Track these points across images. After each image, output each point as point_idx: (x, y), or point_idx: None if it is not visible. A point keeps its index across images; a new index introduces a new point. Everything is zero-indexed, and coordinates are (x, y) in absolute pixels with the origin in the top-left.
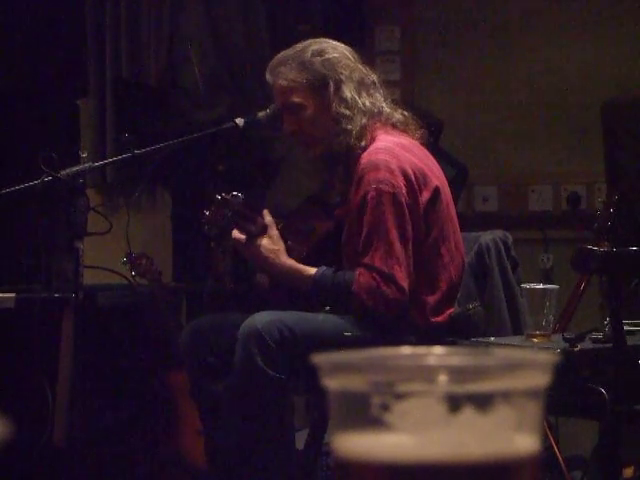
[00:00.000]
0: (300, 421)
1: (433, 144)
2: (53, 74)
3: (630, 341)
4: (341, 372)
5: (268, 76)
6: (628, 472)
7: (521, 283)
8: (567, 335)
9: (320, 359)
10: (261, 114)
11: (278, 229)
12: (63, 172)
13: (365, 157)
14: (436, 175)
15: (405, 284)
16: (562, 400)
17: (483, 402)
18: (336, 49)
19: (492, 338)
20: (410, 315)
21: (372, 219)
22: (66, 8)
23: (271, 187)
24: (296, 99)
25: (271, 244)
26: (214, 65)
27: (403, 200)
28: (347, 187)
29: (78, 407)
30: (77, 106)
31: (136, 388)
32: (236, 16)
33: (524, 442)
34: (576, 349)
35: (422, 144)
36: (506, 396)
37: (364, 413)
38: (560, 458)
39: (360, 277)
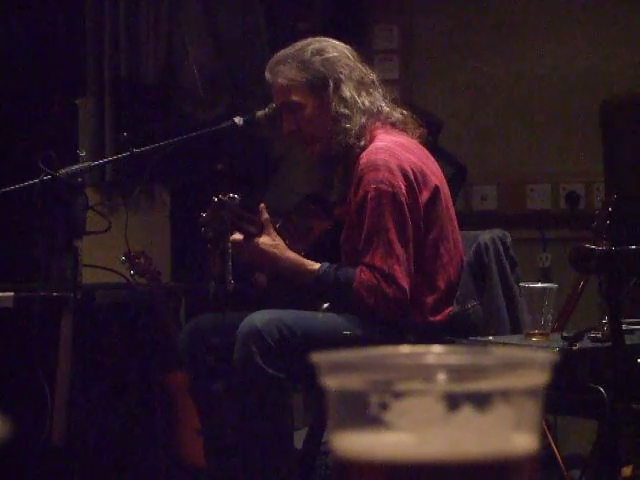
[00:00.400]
0: (299, 420)
1: (432, 143)
2: (52, 73)
3: (629, 340)
4: (340, 371)
5: (267, 75)
6: (627, 471)
7: (520, 282)
8: (566, 334)
9: (319, 358)
10: (260, 113)
11: (275, 228)
12: (62, 171)
13: (364, 157)
14: (435, 174)
15: (405, 284)
16: (561, 399)
17: (482, 401)
18: (336, 48)
19: (491, 337)
20: (409, 314)
21: (372, 219)
22: (65, 7)
23: (270, 186)
24: (295, 98)
25: (271, 240)
26: (213, 64)
27: (403, 200)
28: (346, 186)
29: (77, 406)
30: (76, 105)
31: (135, 387)
32: (235, 15)
33: (523, 441)
34: (575, 348)
35: (421, 143)
36: (505, 395)
37: (363, 412)
38: (559, 457)
39: (361, 275)
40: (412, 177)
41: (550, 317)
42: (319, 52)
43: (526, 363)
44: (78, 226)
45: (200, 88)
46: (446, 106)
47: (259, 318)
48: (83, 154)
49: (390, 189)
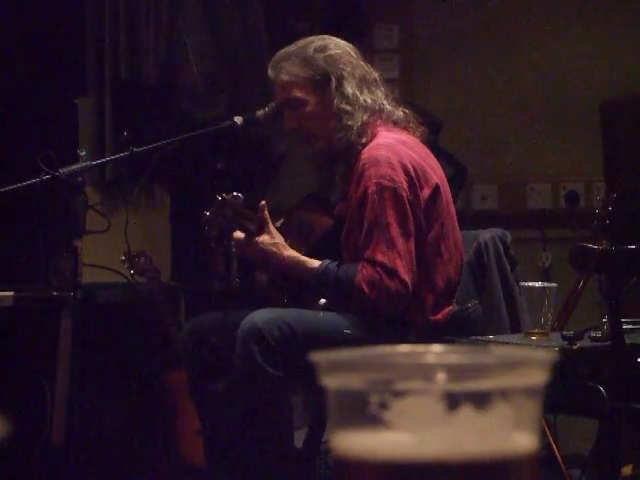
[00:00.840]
0: (299, 420)
1: (432, 143)
2: (52, 73)
3: (629, 339)
4: (340, 370)
5: (270, 71)
6: (627, 470)
7: (520, 281)
8: (566, 333)
9: (319, 357)
10: (260, 113)
11: (277, 227)
12: (62, 171)
13: (366, 153)
14: (436, 172)
15: (407, 278)
16: (561, 398)
17: (481, 400)
18: (338, 46)
19: (491, 336)
20: (409, 312)
21: (373, 214)
22: (65, 7)
23: (270, 185)
24: (298, 94)
25: (271, 239)
26: (213, 64)
27: (404, 195)
28: (347, 184)
29: (77, 406)
30: (76, 105)
31: (135, 387)
32: (234, 15)
33: (522, 440)
34: (575, 347)
35: (423, 142)
36: (504, 394)
37: (363, 411)
38: (559, 456)
39: (363, 270)
40: (413, 173)
41: (550, 316)
42: (322, 49)
43: (526, 362)
44: (78, 226)
45: (200, 88)
46: (446, 106)
47: (260, 317)
48: (83, 154)
49: (391, 184)
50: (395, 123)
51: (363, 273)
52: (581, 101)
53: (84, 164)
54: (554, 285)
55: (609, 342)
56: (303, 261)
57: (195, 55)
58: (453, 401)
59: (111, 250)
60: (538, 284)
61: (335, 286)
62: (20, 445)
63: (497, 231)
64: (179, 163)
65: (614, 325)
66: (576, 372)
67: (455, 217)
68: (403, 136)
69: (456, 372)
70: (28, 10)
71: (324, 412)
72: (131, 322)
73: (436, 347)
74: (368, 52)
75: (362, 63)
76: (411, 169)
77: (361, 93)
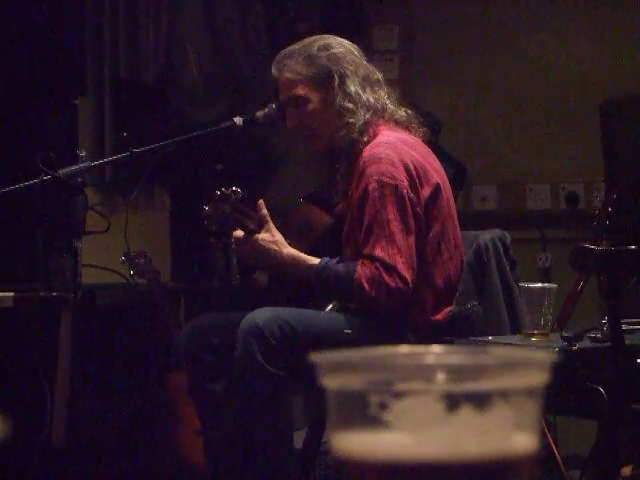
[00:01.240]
0: (299, 420)
1: (433, 143)
2: (52, 73)
3: (628, 340)
4: (339, 371)
5: (274, 70)
6: (626, 471)
7: (519, 282)
8: (565, 334)
9: (318, 358)
10: (259, 113)
11: (277, 226)
12: (62, 171)
13: (367, 151)
14: (438, 172)
15: (408, 274)
16: (560, 399)
17: (481, 401)
18: (342, 45)
19: (490, 337)
20: (409, 312)
21: (373, 210)
22: (65, 7)
23: (270, 186)
24: (301, 92)
25: (270, 237)
26: (212, 64)
27: (405, 192)
28: (348, 182)
29: (77, 407)
30: (75, 105)
31: (135, 388)
32: (234, 15)
33: (522, 441)
34: (574, 348)
35: (425, 142)
36: (504, 395)
37: (362, 412)
38: (558, 457)
39: (362, 267)
40: (414, 172)
41: (550, 317)
42: (325, 48)
43: (526, 363)
44: (78, 226)
45: (199, 88)
46: (446, 106)
47: (260, 316)
48: (83, 154)
49: (392, 181)
50: (397, 123)
51: (363, 269)
52: (581, 101)
53: (84, 165)
54: (554, 286)
55: (609, 343)
56: (302, 259)
57: (195, 55)
58: (453, 402)
59: (111, 251)
60: (538, 285)
61: (335, 283)
62: (20, 445)
63: (497, 232)
64: (179, 163)
65: (614, 326)
66: (576, 373)
67: (456, 217)
68: (405, 135)
69: (456, 373)
70: (28, 10)
71: (324, 412)
72: (131, 323)
73: (436, 348)
74: (368, 53)
75: (365, 63)
76: (412, 167)
77: (364, 92)
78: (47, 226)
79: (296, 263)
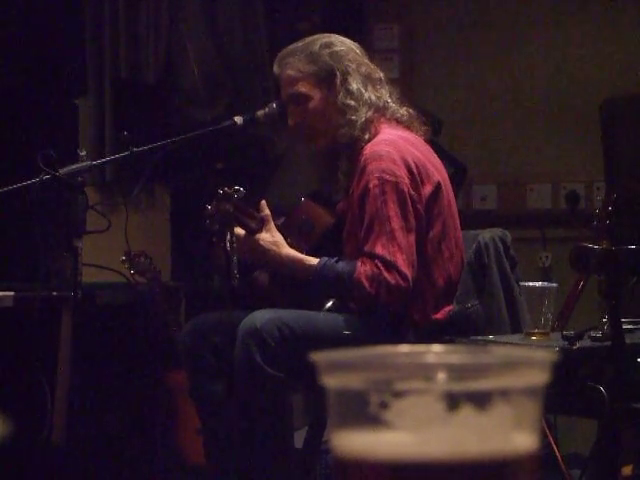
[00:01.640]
0: (299, 420)
1: (434, 142)
2: (52, 73)
3: (629, 339)
4: (340, 370)
5: (276, 67)
6: (627, 470)
7: (520, 281)
8: (566, 333)
9: (319, 357)
10: (260, 112)
11: (277, 226)
12: (62, 170)
13: (368, 148)
14: (439, 171)
15: (408, 272)
16: (561, 398)
17: (482, 400)
18: (344, 43)
19: (491, 336)
20: (409, 310)
21: (374, 208)
22: (65, 7)
23: (270, 185)
24: (302, 89)
25: (270, 237)
26: (213, 64)
27: (405, 189)
28: (350, 180)
29: (77, 406)
30: (76, 105)
31: (135, 387)
32: (235, 15)
33: (523, 440)
34: (575, 347)
35: (426, 141)
36: (505, 394)
37: (363, 411)
38: (559, 456)
39: (362, 265)
40: (415, 170)
41: (550, 316)
42: (328, 45)
43: (526, 362)
44: (78, 226)
45: (200, 88)
46: (446, 106)
47: (259, 317)
48: (83, 154)
49: (393, 178)
50: (398, 121)
51: (363, 267)
52: (581, 101)
53: (84, 164)
54: (554, 285)
55: (609, 342)
56: (301, 259)
57: (195, 55)
58: (453, 401)
59: (111, 250)
60: (538, 284)
61: (335, 281)
62: (20, 445)
63: (497, 231)
64: (180, 163)
65: (614, 325)
66: (576, 372)
67: (457, 216)
68: (406, 134)
69: (456, 372)
70: (28, 10)
71: (324, 412)
72: (131, 322)
73: (436, 347)
74: (368, 52)
75: (367, 61)
76: (413, 165)
77: (365, 90)
78: (47, 226)
79: (295, 263)
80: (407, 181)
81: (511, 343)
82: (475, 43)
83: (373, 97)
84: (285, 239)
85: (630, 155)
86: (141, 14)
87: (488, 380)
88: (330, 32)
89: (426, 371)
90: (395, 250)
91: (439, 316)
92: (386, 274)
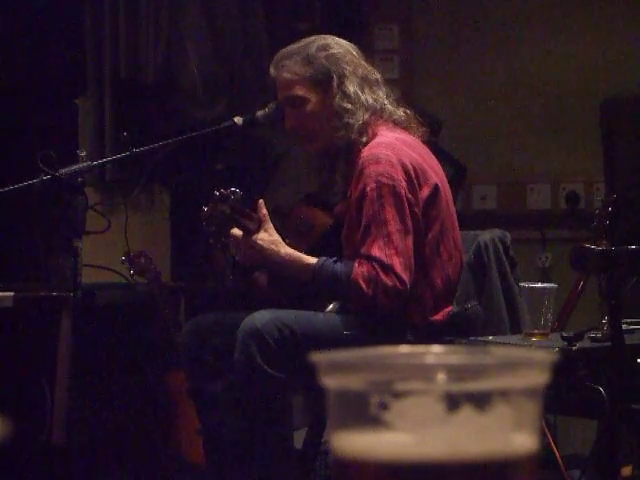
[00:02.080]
0: (299, 420)
1: (433, 143)
2: (52, 73)
3: (628, 340)
4: (340, 371)
5: (272, 70)
6: (626, 471)
7: (519, 282)
8: (565, 334)
9: (319, 358)
10: (260, 113)
11: (275, 226)
12: (62, 171)
13: (366, 151)
14: (436, 173)
15: (405, 275)
16: (560, 399)
17: (481, 401)
18: (340, 45)
19: (490, 337)
20: (408, 312)
21: (371, 211)
22: (65, 7)
23: (269, 185)
24: (299, 92)
25: (268, 236)
26: (212, 64)
27: (403, 193)
28: (347, 182)
29: (77, 406)
30: (76, 105)
31: (134, 387)
32: (234, 14)
33: (522, 441)
34: (574, 348)
35: (424, 142)
36: (504, 395)
37: (363, 412)
38: (558, 457)
39: (359, 266)
40: (412, 172)
41: (550, 317)
42: (324, 48)
43: (526, 363)
44: (78, 226)
45: (200, 88)
46: (446, 106)
47: (259, 318)
48: (83, 154)
49: (390, 182)
50: (396, 123)
51: (360, 269)
52: (581, 101)
53: (84, 164)
54: (554, 285)
55: (609, 343)
56: (300, 259)
57: (195, 55)
58: (453, 402)
59: (111, 250)
60: (538, 284)
61: (332, 282)
62: (20, 445)
63: (497, 231)
64: (179, 163)
65: (614, 326)
66: (576, 373)
67: (455, 217)
68: (404, 136)
69: (456, 373)
70: (28, 10)
71: (324, 412)
72: (131, 322)
73: (436, 347)
74: (368, 52)
75: (364, 63)
76: (410, 168)
77: (362, 92)
78: (47, 226)
79: (293, 263)
80: (404, 184)
81: (511, 344)
82: (475, 43)
83: (370, 99)
84: (283, 240)
85: (630, 155)
86: (141, 14)
87: (488, 381)
88: (330, 33)
89: (426, 372)
90: (392, 253)
91: (438, 317)
92: (383, 276)
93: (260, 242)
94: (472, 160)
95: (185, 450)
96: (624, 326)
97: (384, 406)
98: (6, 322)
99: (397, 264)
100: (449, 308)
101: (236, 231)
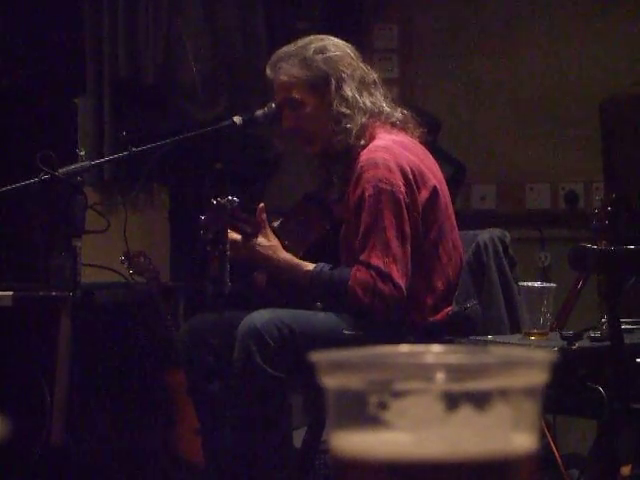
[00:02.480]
0: (298, 420)
1: (432, 143)
2: (51, 72)
3: (628, 339)
4: (339, 370)
5: (268, 71)
6: (626, 470)
7: (519, 281)
8: (565, 333)
9: (318, 357)
10: (259, 112)
11: (273, 228)
12: (61, 170)
13: (364, 155)
14: (435, 174)
15: (402, 282)
16: (560, 398)
17: (481, 400)
18: (338, 47)
19: (490, 336)
20: (408, 315)
21: (370, 217)
22: (64, 7)
23: (268, 185)
24: (297, 95)
25: (267, 241)
26: (212, 63)
27: (401, 198)
28: (346, 185)
29: (76, 406)
30: (75, 104)
31: (134, 387)
32: (234, 14)
33: (522, 440)
34: (574, 347)
35: (421, 143)
36: (504, 394)
37: (362, 411)
38: (558, 456)
39: (357, 274)
40: (411, 176)
41: (549, 316)
42: (321, 50)
43: (525, 362)
44: (77, 225)
45: (199, 88)
46: (446, 106)
47: (258, 317)
48: (82, 153)
49: (389, 187)
50: (394, 124)
51: (357, 276)
52: (580, 101)
53: (83, 164)
54: (553, 285)
55: (608, 342)
56: (298, 264)
57: (194, 54)
58: (452, 401)
59: (110, 250)
60: (537, 284)
61: (329, 289)
62: (19, 445)
63: (496, 231)
64: (178, 163)
65: (613, 325)
66: (575, 372)
67: (454, 218)
68: (401, 138)
69: (455, 372)
70: (28, 10)
71: (323, 412)
72: (130, 322)
73: (435, 347)
74: (367, 52)
75: (361, 64)
76: (409, 172)
77: (360, 95)
78: (46, 226)
79: (291, 268)
80: (403, 189)
81: (510, 343)
82: (474, 44)
83: (368, 102)
84: (282, 242)
85: (629, 155)
86: (140, 14)
87: (487, 380)
88: (329, 32)
89: (425, 371)
90: (390, 261)
91: (438, 317)
92: (381, 285)
93: (258, 247)
94: (472, 160)
95: (184, 450)
96: (624, 326)
97: (383, 406)
98: (5, 322)
99: (395, 271)
100: (449, 308)
101: (235, 236)
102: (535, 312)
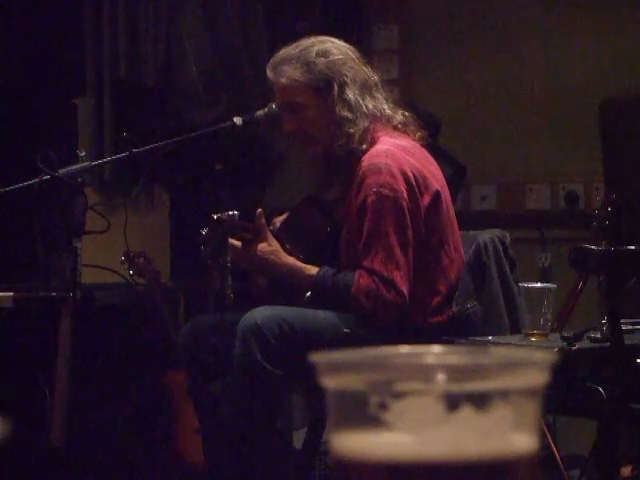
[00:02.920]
0: (299, 420)
1: (432, 143)
2: (51, 73)
3: (628, 340)
4: (339, 371)
5: (270, 73)
6: (626, 471)
7: (519, 282)
8: (565, 334)
9: (318, 358)
10: (259, 113)
11: (273, 232)
12: (61, 171)
13: (366, 160)
14: (436, 178)
15: (404, 288)
16: (560, 399)
17: (481, 401)
18: (340, 50)
19: (490, 337)
20: (410, 316)
21: (372, 223)
22: (64, 7)
23: (269, 186)
24: (298, 99)
25: (267, 246)
26: (212, 64)
27: (404, 204)
28: (348, 189)
29: (76, 406)
30: (75, 105)
31: (134, 387)
32: (234, 15)
33: (522, 441)
34: (574, 348)
35: (422, 145)
36: (504, 395)
37: (362, 412)
38: (558, 457)
39: (360, 280)
40: (413, 181)
41: (549, 317)
42: (324, 54)
43: (525, 363)
44: (77, 226)
45: (199, 88)
46: (446, 106)
47: (259, 314)
48: (82, 154)
49: (391, 193)
50: (395, 128)
51: (360, 282)
52: (581, 101)
53: (83, 164)
54: (553, 286)
55: (608, 343)
56: (300, 268)
57: (195, 55)
58: (453, 402)
59: (110, 250)
60: (537, 285)
61: (332, 294)
62: (19, 445)
63: (496, 231)
64: (179, 163)
65: (613, 326)
66: (575, 373)
67: (455, 220)
68: (403, 141)
69: (456, 373)
70: (28, 10)
71: (324, 412)
72: (130, 322)
73: (436, 348)
74: (367, 53)
75: (363, 67)
76: (411, 177)
77: (363, 99)
78: (47, 226)
79: (294, 273)
80: (405, 195)
81: (510, 344)
82: (474, 43)
83: (370, 106)
84: (283, 245)
85: (630, 155)
86: (140, 14)
87: (487, 381)
88: (329, 33)
89: (426, 372)
90: (393, 267)
91: (439, 318)
92: (383, 291)
93: (260, 252)
94: (471, 160)
95: (184, 450)
96: (624, 326)
97: (384, 406)
98: (6, 322)
99: (397, 278)
100: (450, 309)
101: (236, 242)
102: (535, 313)
